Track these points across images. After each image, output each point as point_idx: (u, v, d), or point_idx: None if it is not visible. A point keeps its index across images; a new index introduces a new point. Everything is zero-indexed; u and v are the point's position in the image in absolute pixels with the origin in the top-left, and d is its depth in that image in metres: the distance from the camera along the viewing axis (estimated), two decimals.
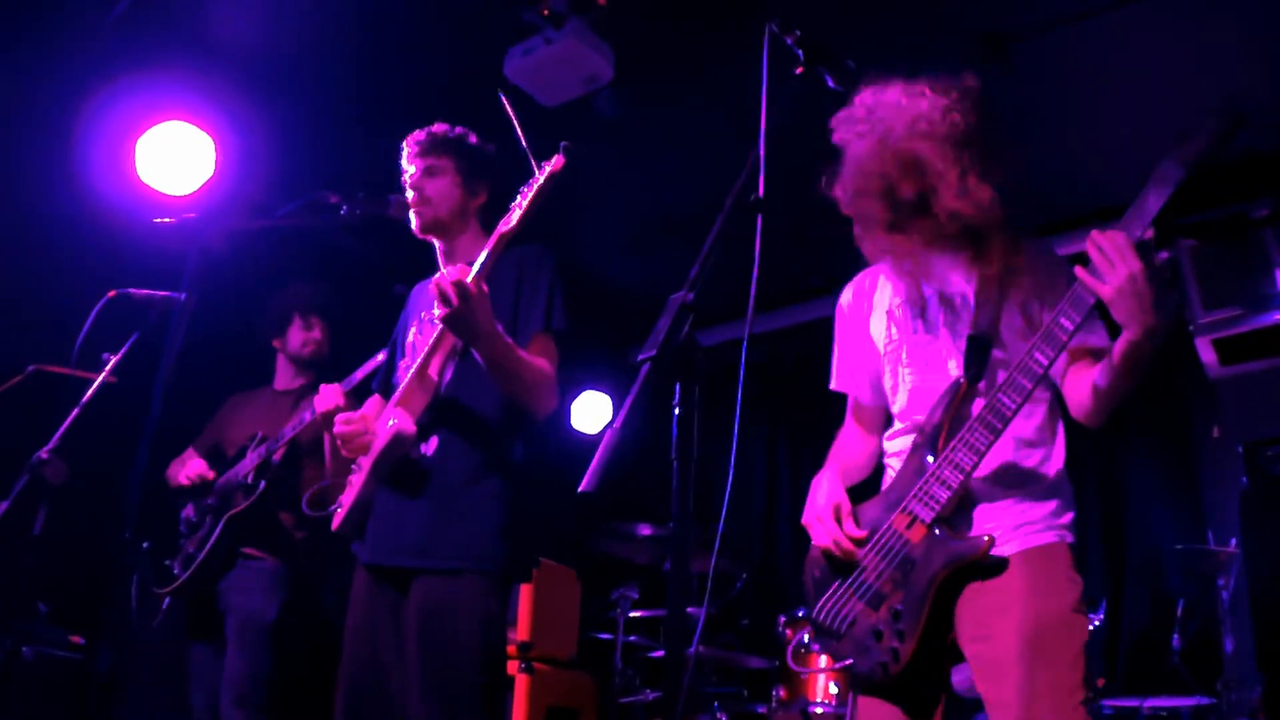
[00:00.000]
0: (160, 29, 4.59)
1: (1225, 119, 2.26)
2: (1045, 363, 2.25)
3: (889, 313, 2.61)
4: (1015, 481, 2.39)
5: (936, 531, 2.29)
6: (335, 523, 2.98)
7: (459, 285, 2.59)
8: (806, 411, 6.86)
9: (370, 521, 2.92)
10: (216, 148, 4.41)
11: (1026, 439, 2.42)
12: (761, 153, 2.28)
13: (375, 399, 3.16)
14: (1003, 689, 2.22)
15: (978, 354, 2.41)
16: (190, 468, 4.17)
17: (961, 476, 2.29)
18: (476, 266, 2.68)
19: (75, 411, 3.39)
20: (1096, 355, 2.37)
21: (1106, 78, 4.73)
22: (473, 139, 3.20)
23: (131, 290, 3.45)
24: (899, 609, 2.29)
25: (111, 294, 3.44)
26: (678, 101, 4.98)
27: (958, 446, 2.30)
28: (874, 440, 2.72)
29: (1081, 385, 2.36)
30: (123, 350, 3.46)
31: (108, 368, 3.43)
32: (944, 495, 2.30)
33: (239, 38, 4.71)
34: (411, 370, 2.90)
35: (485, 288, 2.65)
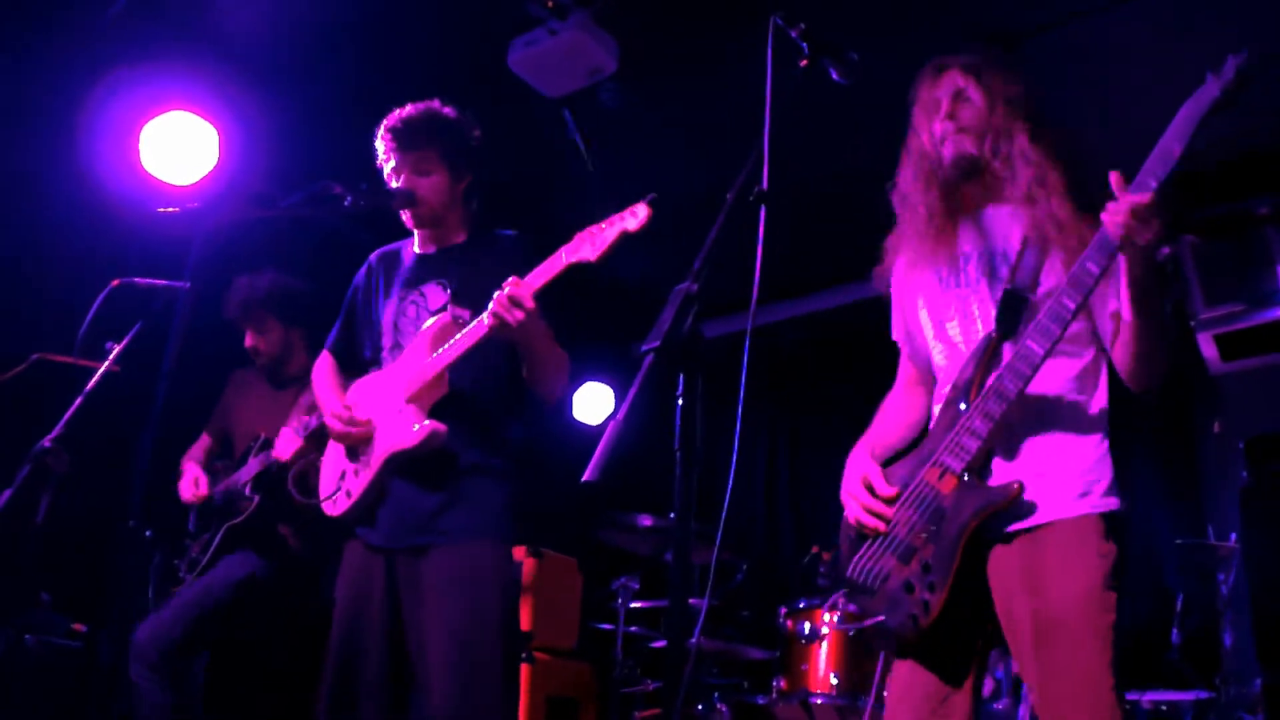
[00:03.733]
0: (164, 19, 4.61)
1: (1249, 60, 2.33)
2: (1072, 307, 2.25)
3: (936, 271, 2.59)
4: (1048, 431, 2.37)
5: (966, 479, 2.30)
6: (340, 509, 2.99)
7: (518, 301, 2.69)
8: (808, 403, 6.86)
9: (382, 509, 2.95)
10: (220, 137, 4.42)
11: (1061, 391, 2.40)
12: (766, 145, 2.29)
13: (359, 383, 3.16)
14: (1028, 672, 2.26)
15: (1011, 308, 2.41)
16: (186, 486, 4.16)
17: (990, 425, 2.29)
18: (538, 284, 2.76)
19: (79, 400, 3.38)
20: None
21: (1112, 73, 4.73)
22: (447, 113, 3.20)
23: (135, 279, 3.44)
24: (929, 561, 2.29)
25: (115, 283, 3.43)
26: (681, 94, 4.98)
27: (989, 395, 2.31)
28: (924, 397, 2.70)
29: (1119, 346, 2.35)
30: (126, 339, 3.45)
31: (111, 356, 3.42)
32: (974, 445, 2.30)
33: (243, 28, 4.71)
34: (435, 368, 2.91)
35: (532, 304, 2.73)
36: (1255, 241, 5.22)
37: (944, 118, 2.57)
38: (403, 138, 3.12)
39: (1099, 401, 2.43)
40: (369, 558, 2.94)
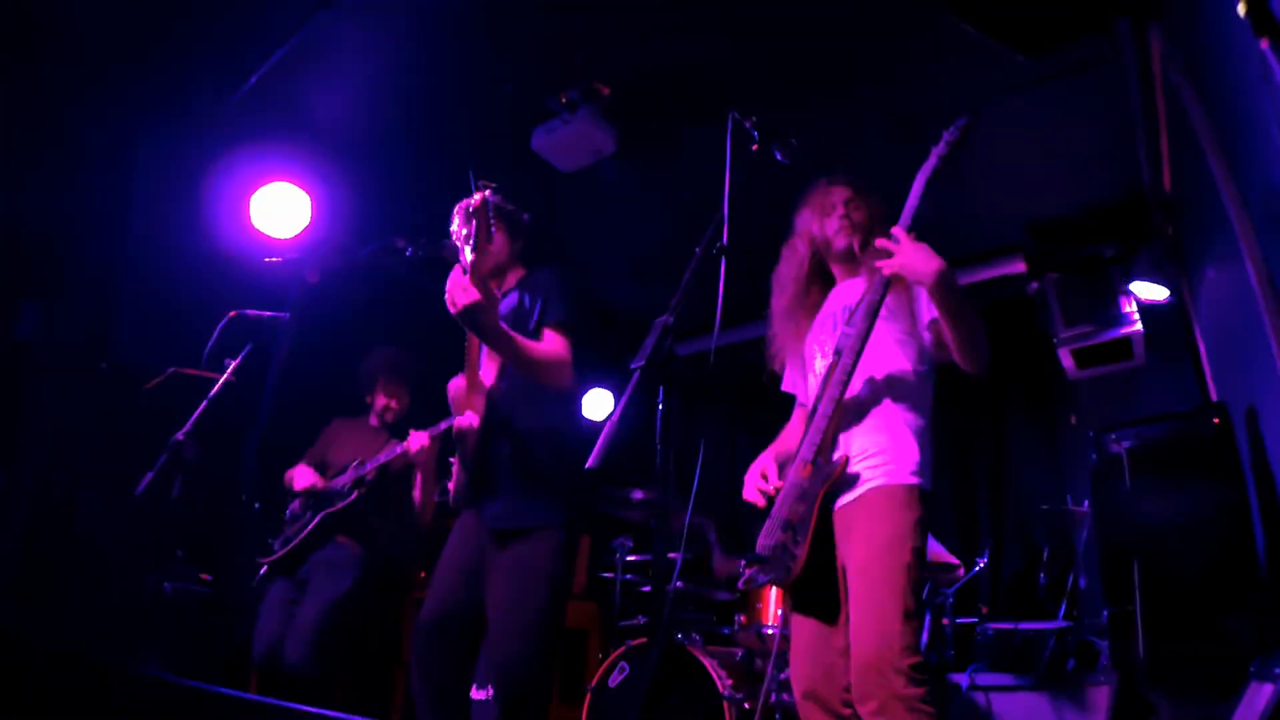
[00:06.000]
0: (271, 109, 4.62)
1: (961, 130, 2.53)
2: (859, 332, 2.39)
3: (829, 320, 2.67)
4: (868, 428, 2.43)
5: (817, 463, 2.38)
6: (450, 499, 2.96)
7: (456, 284, 2.55)
8: (760, 402, 6.88)
9: (479, 497, 2.89)
10: (312, 203, 4.45)
11: (880, 396, 2.46)
12: (725, 210, 2.33)
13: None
14: (849, 605, 2.26)
15: (860, 347, 2.45)
16: (304, 478, 4.09)
17: (825, 423, 2.38)
18: (471, 265, 2.56)
19: (204, 404, 3.41)
20: None
21: (998, 148, 4.76)
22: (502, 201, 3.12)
23: (247, 311, 3.47)
24: (795, 524, 2.36)
25: (232, 314, 3.46)
26: (663, 170, 5.01)
27: (825, 403, 2.42)
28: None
29: (947, 343, 2.42)
30: (240, 357, 3.48)
31: (229, 370, 3.45)
32: (818, 439, 2.40)
33: (330, 118, 4.74)
34: (470, 380, 2.87)
35: (476, 293, 2.53)
36: (1103, 278, 5.25)
37: (838, 217, 2.67)
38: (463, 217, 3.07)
39: (916, 406, 2.47)
40: (471, 530, 2.88)
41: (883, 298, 2.40)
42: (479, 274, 2.52)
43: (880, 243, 2.37)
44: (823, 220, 2.69)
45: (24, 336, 4.40)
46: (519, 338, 2.72)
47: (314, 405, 4.52)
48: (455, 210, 3.08)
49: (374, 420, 4.32)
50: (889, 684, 2.09)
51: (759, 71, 4.28)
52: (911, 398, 2.47)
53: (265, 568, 4.04)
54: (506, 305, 3.01)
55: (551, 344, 2.82)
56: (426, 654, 2.72)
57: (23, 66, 4.23)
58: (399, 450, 3.74)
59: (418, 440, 3.49)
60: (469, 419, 2.85)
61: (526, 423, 2.87)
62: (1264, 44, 1.90)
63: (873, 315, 2.40)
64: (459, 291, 2.53)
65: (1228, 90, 2.81)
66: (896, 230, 2.37)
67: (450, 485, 2.96)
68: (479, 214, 2.54)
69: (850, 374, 2.39)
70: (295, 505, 4.14)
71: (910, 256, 2.30)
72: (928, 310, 2.45)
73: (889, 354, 2.50)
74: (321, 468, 4.21)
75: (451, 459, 2.97)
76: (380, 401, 4.29)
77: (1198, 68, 3.22)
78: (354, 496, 3.94)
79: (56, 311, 4.49)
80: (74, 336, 4.52)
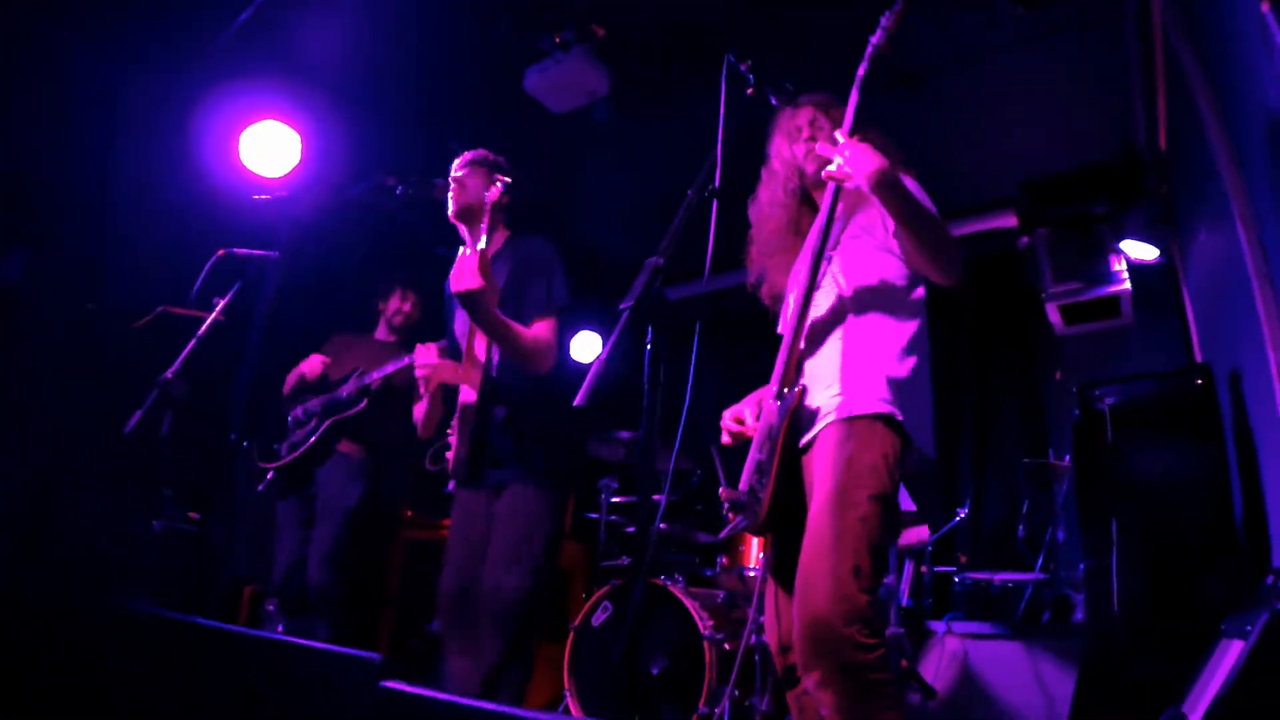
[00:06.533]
0: (260, 48, 4.54)
1: (896, 15, 2.31)
2: (813, 252, 2.20)
3: (796, 264, 2.51)
4: (829, 354, 2.22)
5: (781, 396, 2.17)
6: (450, 468, 3.02)
7: (462, 267, 2.66)
8: (747, 348, 6.88)
9: (482, 468, 2.97)
10: (302, 141, 4.38)
11: (845, 315, 2.24)
12: (719, 153, 2.30)
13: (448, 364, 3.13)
14: (800, 559, 2.02)
15: (816, 266, 2.25)
16: (313, 364, 4.14)
17: (786, 352, 2.20)
18: (481, 245, 2.67)
19: (192, 343, 3.39)
20: None
21: (995, 104, 4.73)
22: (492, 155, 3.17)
23: (236, 250, 3.44)
24: (764, 467, 2.15)
25: (220, 253, 3.43)
26: (656, 111, 4.95)
27: (786, 330, 2.25)
28: None
29: (910, 256, 2.21)
30: (229, 295, 3.46)
31: (218, 309, 3.43)
32: (780, 369, 2.20)
33: (320, 57, 4.66)
34: (465, 355, 2.95)
35: (480, 280, 2.64)
36: (1093, 235, 5.24)
37: (804, 141, 2.48)
38: (460, 161, 3.12)
39: (894, 317, 2.23)
40: (473, 499, 2.98)
41: (833, 210, 2.19)
42: (484, 265, 2.63)
43: (820, 149, 2.18)
44: (791, 146, 2.50)
45: (9, 281, 4.35)
46: (512, 325, 2.81)
47: (303, 343, 4.50)
48: (453, 167, 3.09)
49: (381, 331, 4.44)
50: (834, 653, 1.86)
51: (757, 34, 4.21)
52: (884, 309, 2.23)
53: (271, 474, 4.09)
54: (498, 277, 3.02)
55: (543, 331, 2.90)
56: (451, 617, 2.87)
57: (6, 4, 4.13)
58: (406, 361, 3.77)
59: (426, 352, 3.53)
60: (466, 394, 2.91)
61: (521, 391, 2.94)
62: (1265, 7, 1.84)
63: (824, 232, 2.18)
64: (464, 275, 2.63)
65: (1227, 52, 2.78)
66: (838, 133, 2.19)
67: (449, 455, 3.00)
68: (491, 211, 2.69)
69: (808, 297, 2.18)
70: (299, 411, 4.17)
71: (848, 158, 2.06)
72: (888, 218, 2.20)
73: (860, 270, 2.26)
74: (321, 379, 4.25)
75: (449, 430, 3.01)
76: (393, 305, 4.43)
77: (1198, 28, 3.18)
78: (363, 404, 4.00)
79: (43, 254, 4.43)
80: (62, 279, 4.47)
